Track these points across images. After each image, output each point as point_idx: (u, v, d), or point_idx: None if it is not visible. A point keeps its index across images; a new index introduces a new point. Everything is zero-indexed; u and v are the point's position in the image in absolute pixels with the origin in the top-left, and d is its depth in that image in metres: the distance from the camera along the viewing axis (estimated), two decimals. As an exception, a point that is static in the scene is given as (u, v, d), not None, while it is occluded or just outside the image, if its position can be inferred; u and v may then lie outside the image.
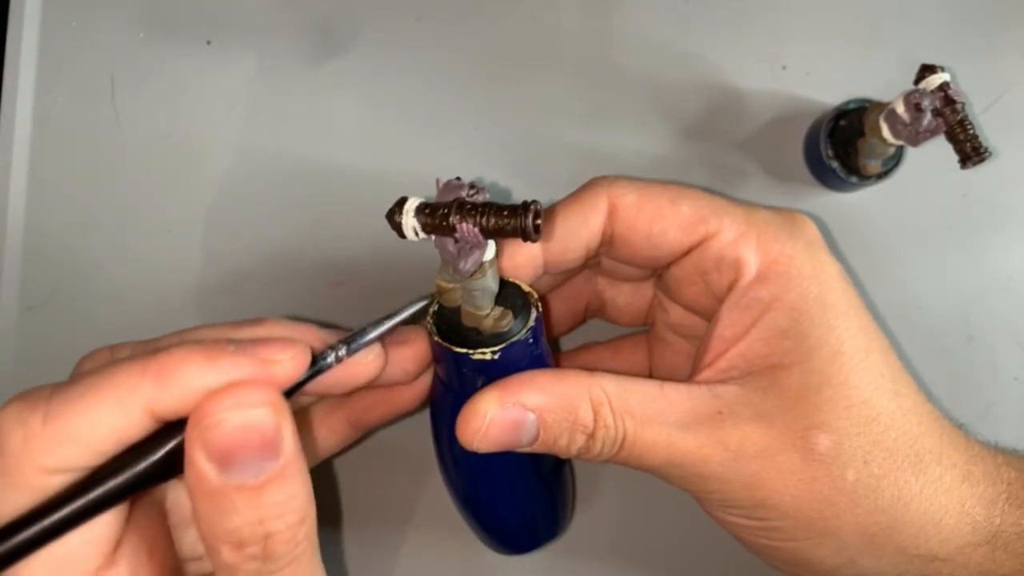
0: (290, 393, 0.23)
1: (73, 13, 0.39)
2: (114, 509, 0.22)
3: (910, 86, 0.33)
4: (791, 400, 0.26)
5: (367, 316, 0.38)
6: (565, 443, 0.26)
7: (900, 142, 0.34)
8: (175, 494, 0.27)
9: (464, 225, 0.23)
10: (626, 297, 0.34)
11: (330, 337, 0.27)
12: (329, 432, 0.32)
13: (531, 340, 0.27)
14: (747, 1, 0.41)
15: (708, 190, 0.29)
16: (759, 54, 0.40)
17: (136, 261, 0.38)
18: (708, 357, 0.28)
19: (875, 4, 0.41)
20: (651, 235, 0.28)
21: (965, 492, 0.27)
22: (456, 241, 0.23)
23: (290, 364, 0.23)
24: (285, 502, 0.21)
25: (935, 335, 0.39)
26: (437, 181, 0.24)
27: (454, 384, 0.28)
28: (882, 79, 0.37)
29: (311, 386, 0.25)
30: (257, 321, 0.27)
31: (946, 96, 0.32)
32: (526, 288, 0.28)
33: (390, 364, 0.28)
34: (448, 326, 0.27)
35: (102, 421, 0.21)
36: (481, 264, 0.24)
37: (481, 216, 0.22)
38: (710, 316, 0.29)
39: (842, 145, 0.37)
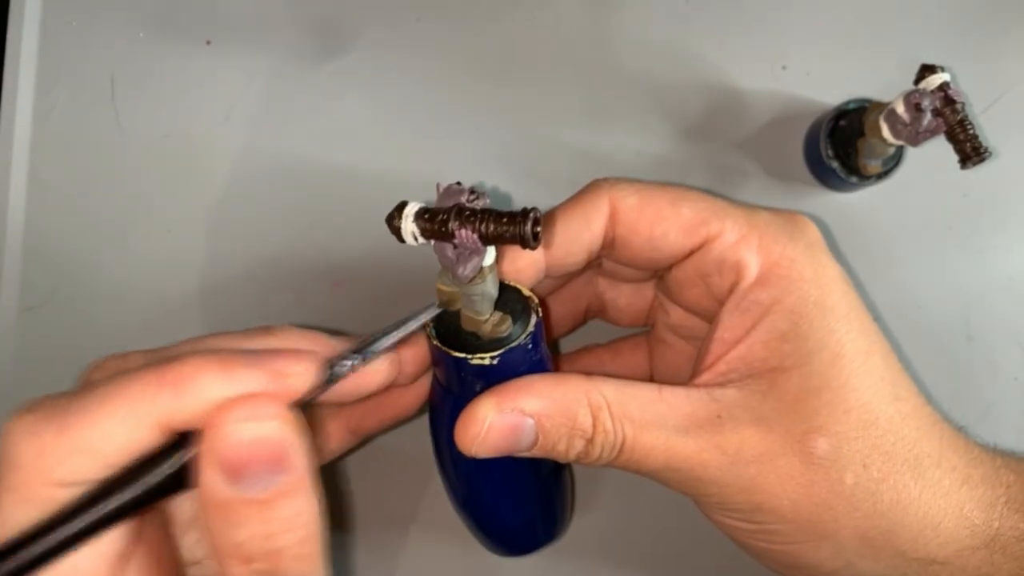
0: (304, 405, 0.23)
1: (73, 13, 0.39)
2: (124, 522, 0.22)
3: (910, 86, 0.33)
4: (790, 403, 0.26)
5: (367, 316, 0.38)
6: (564, 448, 0.26)
7: (900, 142, 0.34)
8: (177, 498, 0.27)
9: (463, 232, 0.22)
10: (627, 298, 0.34)
11: (340, 345, 0.27)
12: (327, 438, 0.32)
13: (530, 345, 0.27)
14: (747, 1, 0.41)
15: (708, 191, 0.29)
16: (759, 54, 0.40)
17: (136, 261, 0.38)
18: (708, 360, 0.28)
19: (875, 4, 0.41)
20: (652, 238, 0.28)
21: (964, 496, 0.27)
22: (455, 247, 0.23)
23: (304, 377, 0.23)
24: (294, 517, 0.21)
25: (935, 335, 0.39)
26: (437, 186, 0.24)
27: (453, 388, 0.28)
28: (882, 79, 0.37)
29: (322, 395, 0.25)
30: (267, 330, 0.27)
31: (946, 96, 0.32)
32: (526, 292, 0.28)
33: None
34: (448, 330, 0.27)
35: (116, 433, 0.21)
36: (480, 270, 0.24)
37: (480, 223, 0.22)
38: (711, 318, 0.29)
39: (842, 145, 0.37)
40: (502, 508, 0.32)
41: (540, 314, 0.27)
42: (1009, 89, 0.40)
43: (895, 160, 0.37)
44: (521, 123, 0.40)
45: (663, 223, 0.28)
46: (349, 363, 0.25)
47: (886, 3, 0.41)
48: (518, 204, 0.39)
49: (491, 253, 0.24)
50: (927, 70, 0.33)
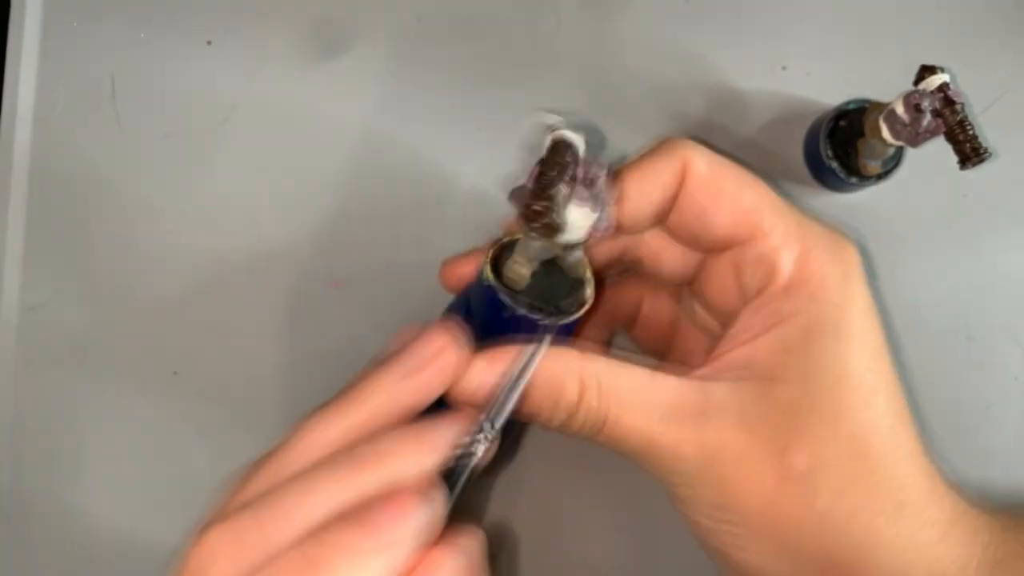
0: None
1: (73, 13, 0.39)
2: None
3: (910, 86, 0.33)
4: (779, 414, 0.26)
5: (366, 316, 0.38)
6: (547, 416, 0.27)
7: (900, 143, 0.34)
8: None
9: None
10: (662, 301, 0.34)
11: (451, 433, 0.25)
12: None
13: (574, 321, 0.27)
14: (747, 1, 0.41)
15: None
16: (759, 54, 0.40)
17: (136, 261, 0.38)
18: (714, 352, 0.28)
19: (875, 4, 0.41)
20: (704, 213, 0.28)
21: (940, 552, 0.26)
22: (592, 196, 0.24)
23: (441, 506, 0.23)
24: None
25: (935, 335, 0.39)
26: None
27: (483, 318, 0.28)
28: (882, 79, 0.37)
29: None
30: (373, 444, 0.24)
31: (946, 97, 0.32)
32: (589, 275, 0.28)
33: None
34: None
35: None
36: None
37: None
38: (729, 318, 0.29)
39: (842, 145, 0.37)
40: None
41: (592, 300, 0.28)
42: (1009, 89, 0.40)
43: (895, 161, 0.37)
44: (521, 122, 0.40)
45: (721, 202, 0.28)
46: (484, 436, 0.25)
47: (886, 3, 0.41)
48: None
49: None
50: (927, 71, 0.33)
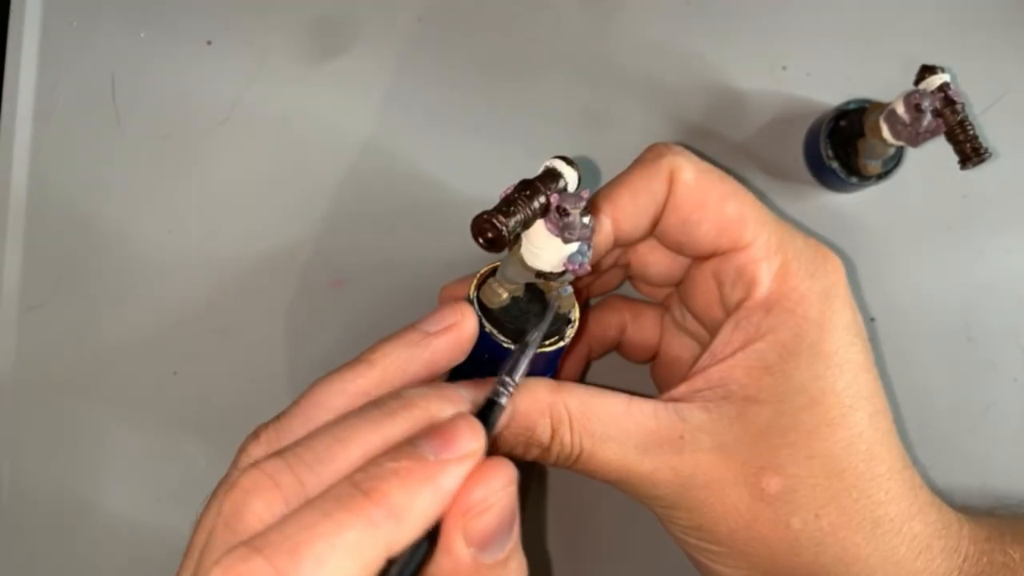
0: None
1: (73, 13, 0.39)
2: None
3: (910, 86, 0.33)
4: (753, 436, 0.26)
5: (365, 316, 0.38)
6: (520, 452, 0.27)
7: (900, 143, 0.34)
8: None
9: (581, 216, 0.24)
10: (648, 320, 0.34)
11: (469, 393, 0.25)
12: None
13: (556, 355, 0.27)
14: (747, 1, 0.41)
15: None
16: (759, 54, 0.40)
17: (136, 261, 0.38)
18: (692, 370, 0.28)
19: (875, 4, 0.41)
20: (688, 221, 0.28)
21: (919, 566, 0.27)
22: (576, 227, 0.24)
23: (481, 443, 0.22)
24: (519, 569, 0.22)
25: (935, 335, 0.39)
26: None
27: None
28: (882, 79, 0.37)
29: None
30: (400, 400, 0.24)
31: (946, 97, 0.32)
32: (572, 301, 0.28)
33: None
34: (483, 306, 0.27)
35: None
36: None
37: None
38: (713, 330, 0.29)
39: (842, 145, 0.37)
40: None
41: (572, 334, 0.28)
42: (1009, 89, 0.40)
43: (895, 160, 0.37)
44: (521, 122, 0.40)
45: (704, 212, 0.28)
46: (507, 391, 0.24)
47: (886, 3, 0.41)
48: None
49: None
50: (927, 70, 0.33)
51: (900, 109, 0.33)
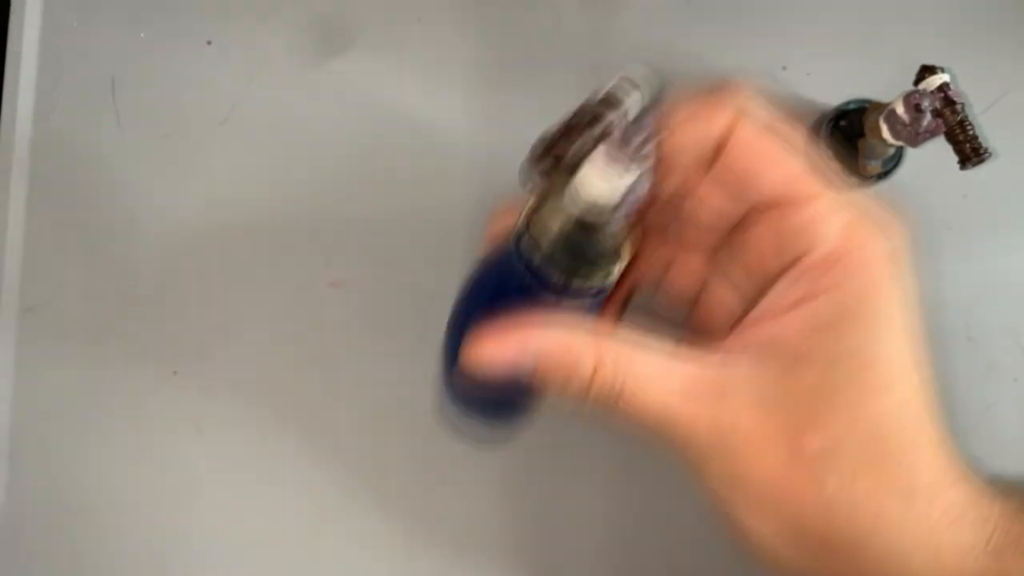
0: None
1: (73, 13, 0.39)
2: None
3: (910, 86, 0.33)
4: (799, 396, 0.26)
5: (366, 316, 0.38)
6: (559, 388, 0.27)
7: (900, 143, 0.34)
8: None
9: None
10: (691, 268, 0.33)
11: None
12: None
13: (598, 292, 0.26)
14: (747, 2, 0.41)
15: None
16: (759, 54, 0.40)
17: (136, 261, 0.38)
18: (743, 322, 0.28)
19: (875, 4, 0.41)
20: (749, 171, 0.27)
21: (950, 537, 0.26)
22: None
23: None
24: None
25: (935, 335, 0.39)
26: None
27: (498, 291, 0.28)
28: (882, 79, 0.37)
29: None
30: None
31: (946, 97, 0.32)
32: (624, 252, 0.27)
33: None
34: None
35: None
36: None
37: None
38: (761, 282, 0.28)
39: (842, 146, 0.37)
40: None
41: (625, 265, 0.27)
42: (1009, 89, 0.40)
43: (895, 161, 0.37)
44: (521, 122, 0.39)
45: (768, 164, 0.27)
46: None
47: (886, 3, 0.41)
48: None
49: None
50: (927, 71, 0.33)
51: (900, 109, 0.33)
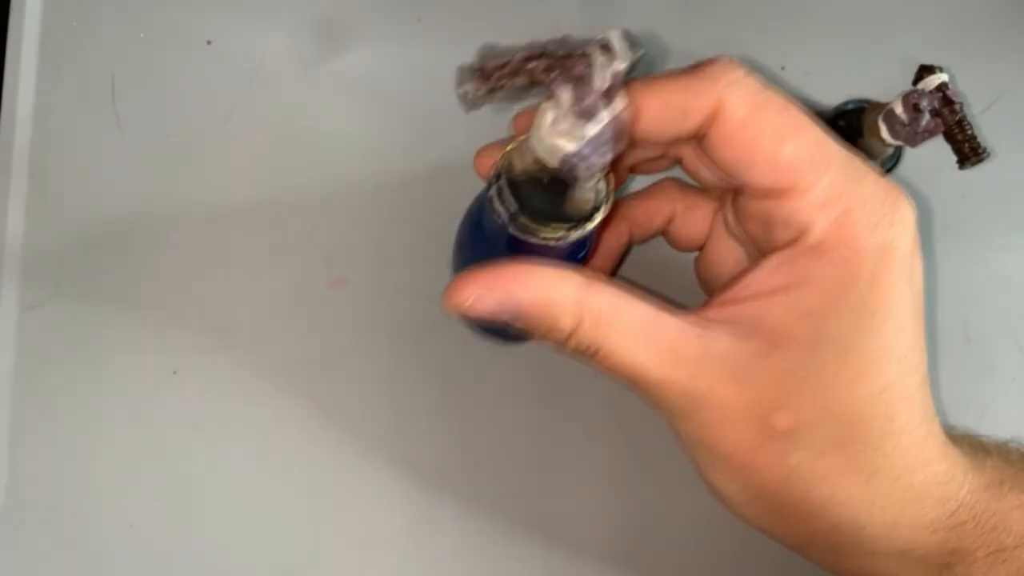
0: None
1: (73, 13, 0.39)
2: None
3: (909, 86, 0.33)
4: (773, 375, 0.26)
5: (366, 317, 0.38)
6: (539, 337, 0.27)
7: (899, 143, 0.34)
8: None
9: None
10: (696, 220, 0.33)
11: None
12: None
13: (582, 239, 0.25)
14: (746, 1, 0.41)
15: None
16: (758, 54, 0.40)
17: (136, 261, 0.38)
18: (727, 295, 0.27)
19: (874, 4, 0.41)
20: (737, 161, 0.27)
21: (906, 514, 0.27)
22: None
23: None
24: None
25: (933, 335, 0.39)
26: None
27: (485, 228, 0.27)
28: (881, 79, 0.37)
29: None
30: None
31: (945, 96, 0.32)
32: (600, 203, 0.25)
33: None
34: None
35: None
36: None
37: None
38: (762, 247, 0.28)
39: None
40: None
41: (607, 212, 0.25)
42: (1009, 89, 0.40)
43: (894, 160, 0.37)
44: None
45: (756, 153, 0.26)
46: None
47: (885, 3, 0.41)
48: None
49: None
50: (926, 70, 0.33)
51: (898, 109, 0.33)
